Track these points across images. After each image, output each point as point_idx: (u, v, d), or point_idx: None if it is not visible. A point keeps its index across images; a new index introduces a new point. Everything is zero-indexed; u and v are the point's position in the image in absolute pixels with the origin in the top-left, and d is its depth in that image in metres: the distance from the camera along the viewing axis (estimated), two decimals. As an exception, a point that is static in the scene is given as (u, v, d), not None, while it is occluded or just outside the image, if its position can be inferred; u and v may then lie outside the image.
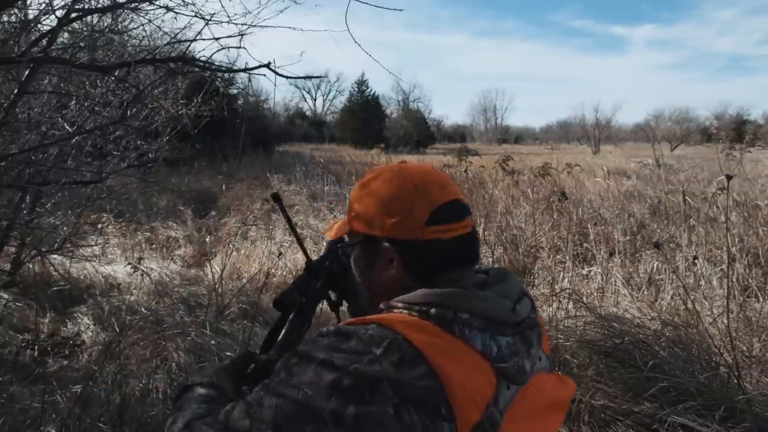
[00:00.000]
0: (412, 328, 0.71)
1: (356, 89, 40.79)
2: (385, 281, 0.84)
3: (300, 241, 1.11)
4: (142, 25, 2.91)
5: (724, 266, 3.97)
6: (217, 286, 3.90)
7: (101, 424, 2.32)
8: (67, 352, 3.35)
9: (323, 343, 0.70)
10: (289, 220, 1.10)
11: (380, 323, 0.72)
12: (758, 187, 7.14)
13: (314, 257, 1.07)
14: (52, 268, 4.44)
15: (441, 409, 0.66)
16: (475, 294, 0.76)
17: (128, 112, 2.95)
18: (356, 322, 0.74)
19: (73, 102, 3.15)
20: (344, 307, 1.06)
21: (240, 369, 0.87)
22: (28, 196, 3.55)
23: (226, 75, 10.70)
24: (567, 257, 4.62)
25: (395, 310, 0.77)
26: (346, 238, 0.93)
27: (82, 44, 2.75)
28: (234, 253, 5.33)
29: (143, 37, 3.25)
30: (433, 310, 0.73)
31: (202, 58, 2.39)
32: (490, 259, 4.54)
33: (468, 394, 0.68)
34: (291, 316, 0.95)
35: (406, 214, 0.80)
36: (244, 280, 4.52)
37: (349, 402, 0.64)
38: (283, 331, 0.92)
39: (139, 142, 4.06)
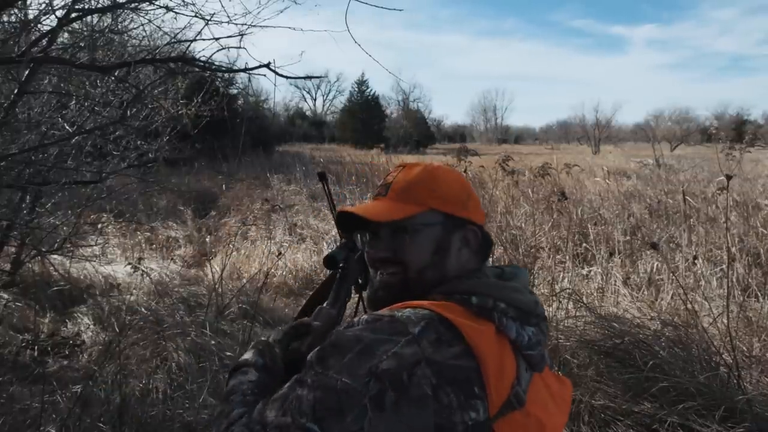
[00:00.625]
0: (449, 309, 0.74)
1: (356, 89, 40.80)
2: (459, 263, 0.87)
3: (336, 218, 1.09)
4: (142, 25, 2.92)
5: (724, 266, 3.97)
6: (217, 286, 3.90)
7: (101, 424, 2.32)
8: (67, 352, 3.35)
9: (357, 330, 0.70)
10: (331, 200, 1.18)
11: (414, 306, 0.74)
12: (758, 187, 7.14)
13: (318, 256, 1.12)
14: (52, 268, 4.44)
15: (475, 388, 0.68)
16: (508, 286, 0.81)
17: (128, 112, 2.95)
18: (391, 308, 0.75)
19: (73, 102, 3.15)
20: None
21: (292, 339, 0.89)
22: (28, 196, 3.56)
23: (226, 75, 10.71)
24: (567, 257, 4.62)
25: (433, 299, 0.78)
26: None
27: (82, 44, 2.75)
28: (234, 253, 5.33)
29: (143, 37, 3.25)
30: (474, 299, 0.77)
31: (202, 58, 2.40)
32: (490, 259, 4.54)
33: (498, 375, 0.71)
34: (337, 278, 1.01)
35: (475, 203, 0.90)
36: (244, 280, 4.52)
37: (388, 387, 0.64)
38: (333, 291, 0.99)
39: (139, 142, 4.06)
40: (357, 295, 1.07)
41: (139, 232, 6.40)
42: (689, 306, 3.19)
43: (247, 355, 0.83)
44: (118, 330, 3.29)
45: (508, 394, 0.71)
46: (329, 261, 1.01)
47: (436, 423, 0.65)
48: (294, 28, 2.43)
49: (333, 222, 1.12)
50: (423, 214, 0.85)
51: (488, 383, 0.69)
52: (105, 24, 3.08)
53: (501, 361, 0.72)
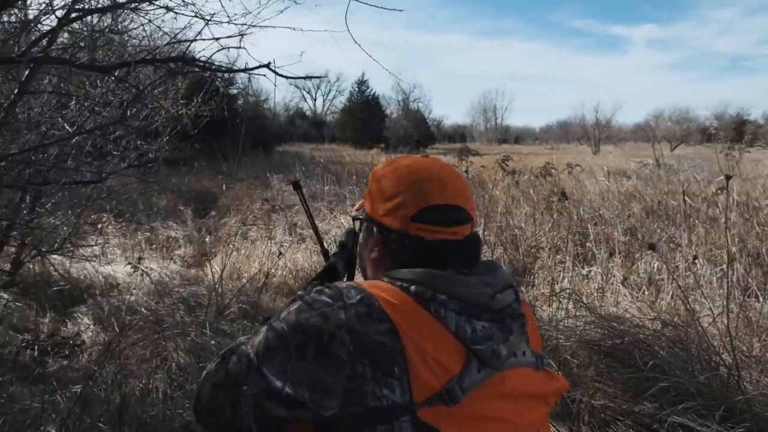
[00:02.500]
0: (385, 291, 0.76)
1: (356, 89, 40.77)
2: (371, 261, 0.91)
3: (316, 232, 1.22)
4: (142, 25, 2.91)
5: (724, 266, 3.97)
6: (217, 286, 3.90)
7: (101, 424, 2.32)
8: (67, 352, 3.35)
9: (312, 291, 0.79)
10: (307, 207, 1.22)
11: (359, 284, 0.79)
12: (758, 187, 7.14)
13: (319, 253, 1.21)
14: (52, 268, 4.43)
15: (394, 368, 0.70)
16: (456, 278, 0.79)
17: (128, 112, 2.94)
18: (341, 282, 0.83)
19: (73, 102, 3.15)
20: None
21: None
22: (28, 196, 3.55)
23: (226, 75, 10.71)
24: (567, 257, 4.62)
25: (380, 282, 0.81)
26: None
27: (82, 44, 2.75)
28: (234, 253, 5.33)
29: (143, 37, 3.24)
30: (413, 287, 0.77)
31: (202, 58, 2.39)
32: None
33: (427, 362, 0.71)
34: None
35: (399, 205, 0.84)
36: (244, 280, 4.52)
37: (311, 341, 0.72)
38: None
39: (139, 142, 4.05)
40: None
41: (139, 232, 6.40)
42: (689, 306, 3.19)
43: None
44: (118, 330, 3.29)
45: (440, 387, 0.71)
46: (331, 270, 1.09)
47: (347, 387, 0.70)
48: (294, 28, 2.43)
49: (312, 229, 1.22)
50: (362, 210, 0.95)
51: (412, 367, 0.70)
52: (105, 24, 3.07)
53: (437, 353, 0.72)
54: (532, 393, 0.82)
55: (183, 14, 2.41)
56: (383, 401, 0.69)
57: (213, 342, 3.15)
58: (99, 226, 5.84)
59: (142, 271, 4.15)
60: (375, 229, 0.88)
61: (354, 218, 1.01)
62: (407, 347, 0.71)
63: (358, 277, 1.01)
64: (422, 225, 0.82)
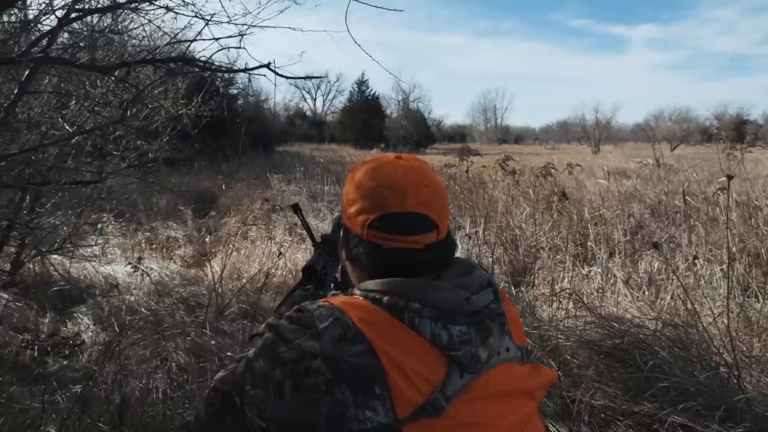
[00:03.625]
0: (358, 309, 0.74)
1: (356, 89, 40.80)
2: (345, 266, 0.90)
3: (315, 242, 1.21)
4: (142, 25, 2.92)
5: (724, 266, 3.97)
6: (217, 286, 3.90)
7: (101, 424, 2.32)
8: (67, 352, 3.35)
9: (286, 316, 0.77)
10: (308, 229, 1.24)
11: (330, 303, 0.76)
12: (759, 187, 7.13)
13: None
14: (52, 268, 4.43)
15: (375, 388, 0.68)
16: (428, 284, 0.76)
17: (128, 112, 2.95)
18: (314, 302, 0.79)
19: (73, 102, 3.15)
20: None
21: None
22: (28, 196, 3.56)
23: (226, 75, 10.69)
24: (567, 257, 4.62)
25: (353, 296, 0.79)
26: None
27: (82, 44, 2.75)
28: (234, 253, 5.33)
29: (143, 37, 3.25)
30: (385, 299, 0.75)
31: (202, 58, 2.40)
32: (490, 259, 4.54)
33: (408, 378, 0.70)
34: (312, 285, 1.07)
35: (358, 210, 0.83)
36: (244, 280, 4.52)
37: (287, 376, 0.70)
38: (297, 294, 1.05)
39: (139, 142, 4.06)
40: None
41: (139, 232, 6.40)
42: (689, 306, 3.19)
43: None
44: (118, 330, 3.29)
45: (424, 400, 0.69)
46: (309, 272, 1.07)
47: (328, 416, 0.68)
48: (294, 29, 2.44)
49: (313, 246, 1.21)
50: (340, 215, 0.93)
51: (393, 385, 0.68)
52: (105, 24, 3.07)
53: (416, 366, 0.71)
54: (518, 389, 0.81)
55: (183, 14, 2.42)
56: (367, 424, 0.68)
57: (213, 342, 3.15)
58: (99, 226, 5.83)
59: (142, 271, 4.15)
60: (342, 233, 0.88)
61: (338, 225, 1.00)
62: (386, 365, 0.69)
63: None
64: (379, 233, 0.80)
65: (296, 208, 1.24)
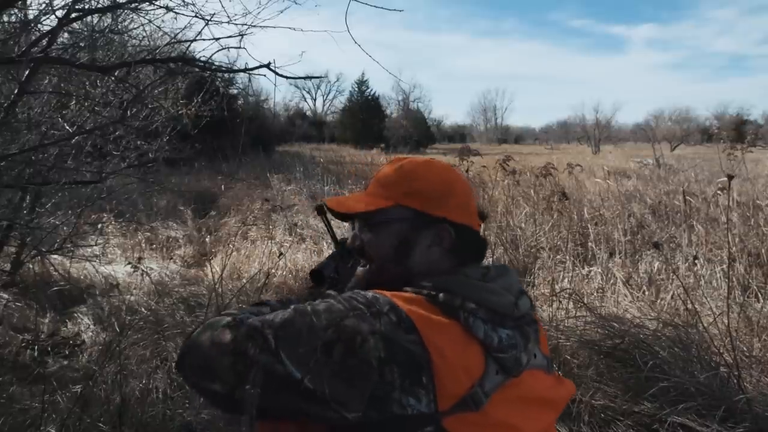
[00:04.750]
0: (410, 302, 0.75)
1: (356, 89, 40.77)
2: (426, 261, 0.87)
3: (335, 240, 1.13)
4: (142, 25, 2.92)
5: (724, 266, 3.96)
6: (217, 286, 3.89)
7: (101, 424, 2.32)
8: (67, 352, 3.35)
9: (343, 296, 0.76)
10: (332, 231, 1.15)
11: (382, 293, 0.76)
12: (759, 187, 7.13)
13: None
14: (52, 268, 4.43)
15: (422, 377, 0.69)
16: (484, 286, 0.79)
17: (128, 112, 2.95)
18: (365, 291, 0.78)
19: (73, 102, 3.15)
20: None
21: None
22: (28, 196, 3.55)
23: (226, 75, 10.69)
24: (567, 257, 4.61)
25: (404, 291, 0.80)
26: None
27: (82, 44, 2.75)
28: (234, 253, 5.33)
29: (143, 37, 3.25)
30: (441, 296, 0.77)
31: (202, 58, 2.39)
32: (490, 259, 4.54)
33: (453, 371, 0.71)
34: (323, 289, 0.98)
35: (467, 202, 0.88)
36: (244, 280, 4.52)
37: (341, 340, 0.69)
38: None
39: (139, 142, 4.05)
40: None
41: (139, 232, 6.40)
42: (689, 306, 3.19)
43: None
44: (118, 330, 3.29)
45: (464, 393, 0.71)
46: (316, 276, 1.00)
47: (373, 393, 0.68)
48: (294, 29, 2.43)
49: (336, 248, 1.14)
50: (391, 209, 0.87)
51: (438, 377, 0.69)
52: (105, 24, 3.07)
53: (461, 360, 0.72)
54: (545, 398, 0.82)
55: (183, 14, 2.41)
56: (408, 410, 0.68)
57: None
58: (99, 226, 5.83)
59: (142, 271, 4.15)
60: (446, 225, 0.86)
61: (390, 219, 0.88)
62: (434, 357, 0.70)
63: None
64: (479, 222, 0.88)
65: (321, 211, 1.18)
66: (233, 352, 0.69)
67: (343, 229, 1.24)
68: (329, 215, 0.98)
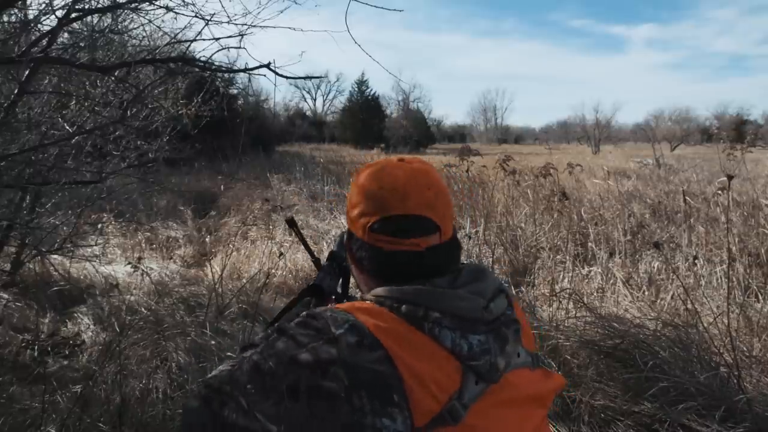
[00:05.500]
0: (373, 315, 0.73)
1: (356, 89, 40.77)
2: (353, 273, 0.88)
3: (315, 261, 1.18)
4: (142, 25, 2.92)
5: (724, 266, 3.96)
6: (217, 286, 3.90)
7: (101, 424, 2.32)
8: (67, 352, 3.35)
9: (296, 321, 0.74)
10: (305, 243, 1.18)
11: (343, 309, 0.75)
12: (759, 186, 7.13)
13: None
14: (52, 268, 4.43)
15: (393, 395, 0.67)
16: (447, 293, 0.75)
17: (128, 112, 2.95)
18: (325, 308, 0.77)
19: (73, 102, 3.15)
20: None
21: None
22: (28, 196, 3.55)
23: (226, 75, 10.70)
24: (567, 257, 4.61)
25: (366, 303, 0.78)
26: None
27: (82, 44, 2.75)
28: (234, 253, 5.33)
29: (143, 37, 3.25)
30: (404, 307, 0.74)
31: (202, 58, 2.40)
32: (490, 259, 4.54)
33: (425, 386, 0.68)
34: (313, 300, 1.02)
35: (360, 213, 0.82)
36: (244, 280, 4.52)
37: (302, 380, 0.68)
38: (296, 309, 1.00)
39: (139, 142, 4.05)
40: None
41: (139, 232, 6.40)
42: (689, 306, 3.19)
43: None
44: (118, 330, 3.29)
45: (441, 408, 0.68)
46: (316, 291, 1.03)
47: (344, 423, 0.66)
48: (294, 29, 2.43)
49: (313, 263, 1.19)
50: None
51: (410, 394, 0.67)
52: (105, 24, 3.07)
53: (434, 374, 0.69)
54: (530, 395, 0.80)
55: (183, 14, 2.42)
56: (382, 431, 0.66)
57: (213, 342, 3.15)
58: (99, 226, 5.83)
59: (142, 271, 4.15)
60: (346, 237, 0.87)
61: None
62: (403, 373, 0.68)
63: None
64: (380, 236, 0.79)
65: (291, 223, 1.15)
66: (214, 425, 0.70)
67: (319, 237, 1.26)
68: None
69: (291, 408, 0.67)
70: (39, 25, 2.41)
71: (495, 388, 0.74)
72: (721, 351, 2.70)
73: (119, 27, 3.10)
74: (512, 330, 0.79)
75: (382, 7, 2.37)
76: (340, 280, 1.12)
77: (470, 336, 0.73)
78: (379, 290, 0.78)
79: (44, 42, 2.31)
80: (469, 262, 0.86)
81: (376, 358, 0.68)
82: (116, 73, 2.70)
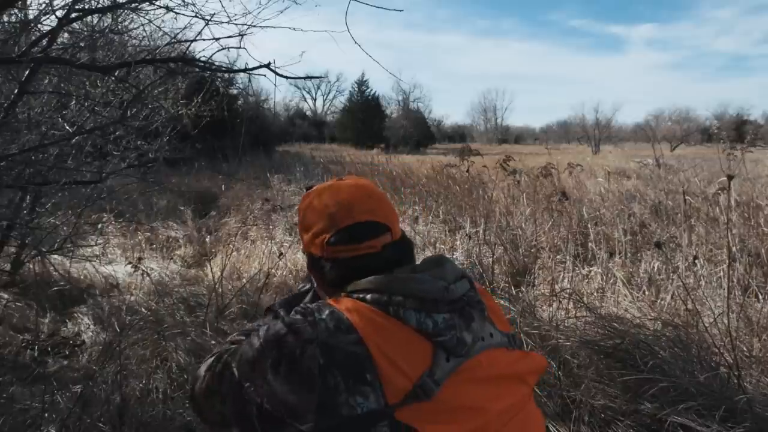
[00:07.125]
0: (348, 305, 0.81)
1: (356, 89, 40.82)
2: (319, 290, 0.96)
3: None
4: (142, 25, 2.91)
5: (724, 266, 3.96)
6: (217, 286, 3.90)
7: (101, 424, 2.32)
8: (67, 352, 3.35)
9: (294, 310, 0.85)
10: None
11: (327, 302, 0.84)
12: (759, 187, 7.13)
13: None
14: (52, 268, 4.43)
15: (366, 374, 0.73)
16: (409, 277, 0.82)
17: (128, 112, 2.95)
18: (318, 302, 0.88)
19: (73, 102, 3.15)
20: None
21: None
22: (28, 196, 3.55)
23: (226, 75, 10.69)
24: (567, 257, 4.61)
25: (341, 297, 0.86)
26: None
27: (82, 44, 2.75)
28: (234, 253, 5.33)
29: (143, 37, 3.24)
30: (369, 296, 0.81)
31: (202, 59, 2.39)
32: (490, 259, 4.54)
33: (395, 365, 0.74)
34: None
35: (315, 233, 0.91)
36: (244, 280, 4.52)
37: (284, 356, 0.76)
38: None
39: (139, 142, 4.05)
40: None
41: (139, 232, 6.40)
42: (690, 306, 3.19)
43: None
44: (118, 330, 3.29)
45: (412, 385, 0.73)
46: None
47: (320, 401, 0.72)
48: (294, 29, 2.43)
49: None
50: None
51: (382, 373, 0.73)
52: (105, 24, 3.07)
53: (403, 353, 0.75)
54: (508, 373, 0.84)
55: (183, 14, 2.41)
56: (357, 409, 0.71)
57: (213, 342, 3.15)
58: (99, 226, 5.83)
59: (142, 271, 4.15)
60: (308, 259, 0.94)
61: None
62: (374, 354, 0.73)
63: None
64: (338, 247, 0.87)
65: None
66: (216, 391, 0.85)
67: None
68: None
69: (273, 382, 0.75)
70: (39, 25, 2.40)
71: (468, 366, 0.79)
72: (721, 351, 2.69)
73: (119, 27, 3.10)
74: (477, 310, 0.85)
75: (382, 7, 2.37)
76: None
77: (435, 315, 0.80)
78: (349, 287, 0.85)
79: (44, 42, 2.31)
80: (432, 255, 0.93)
81: (350, 341, 0.75)
82: (116, 73, 2.69)
